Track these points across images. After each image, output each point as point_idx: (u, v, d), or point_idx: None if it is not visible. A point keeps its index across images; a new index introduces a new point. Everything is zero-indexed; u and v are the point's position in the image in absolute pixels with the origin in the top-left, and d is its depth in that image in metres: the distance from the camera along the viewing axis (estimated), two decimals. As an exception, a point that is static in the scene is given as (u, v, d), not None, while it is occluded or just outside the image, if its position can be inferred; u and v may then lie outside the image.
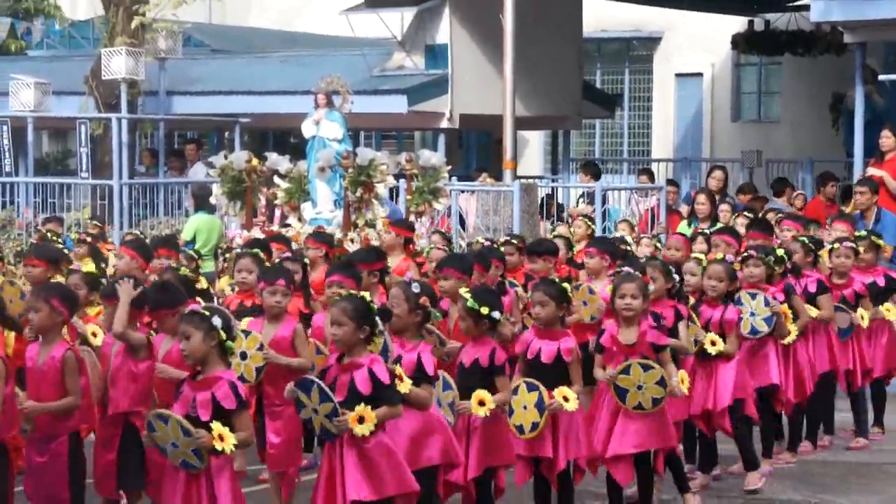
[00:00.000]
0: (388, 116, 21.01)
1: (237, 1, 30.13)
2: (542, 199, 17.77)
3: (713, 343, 9.45)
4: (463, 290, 8.20)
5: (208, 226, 15.41)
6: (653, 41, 28.63)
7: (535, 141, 29.29)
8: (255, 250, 10.13)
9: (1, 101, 21.18)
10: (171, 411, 6.87)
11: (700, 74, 28.14)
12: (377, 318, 7.11)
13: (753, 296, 9.90)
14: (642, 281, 8.56)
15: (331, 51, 23.68)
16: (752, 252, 10.21)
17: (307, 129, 14.97)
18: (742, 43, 26.09)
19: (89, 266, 11.82)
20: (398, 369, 7.27)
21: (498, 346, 7.97)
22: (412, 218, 15.07)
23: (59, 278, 10.07)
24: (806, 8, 18.80)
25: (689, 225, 15.32)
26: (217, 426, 6.67)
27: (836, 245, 11.22)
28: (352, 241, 13.95)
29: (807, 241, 11.12)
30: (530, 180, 19.19)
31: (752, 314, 9.88)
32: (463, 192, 17.05)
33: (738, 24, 26.18)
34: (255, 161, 15.24)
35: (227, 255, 13.91)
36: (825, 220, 14.05)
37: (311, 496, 7.14)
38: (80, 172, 19.37)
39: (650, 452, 8.55)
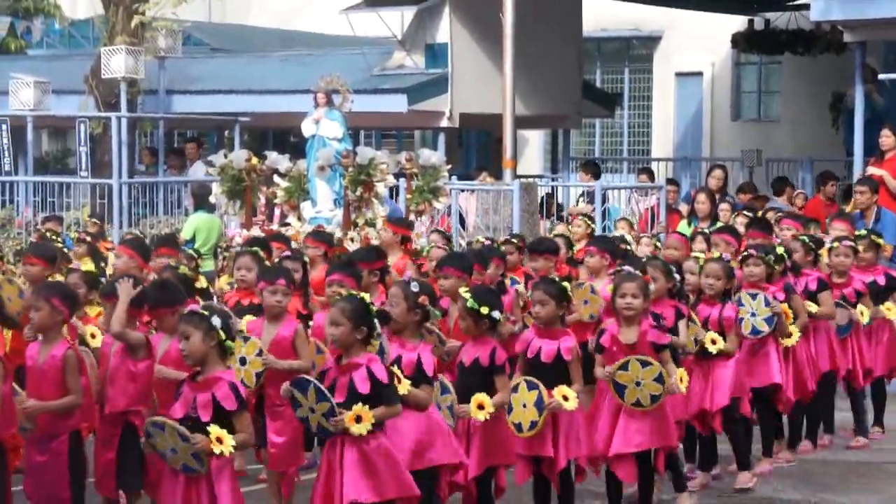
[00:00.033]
0: (387, 115, 21.00)
1: (237, 0, 30.15)
2: (542, 198, 17.77)
3: (713, 342, 9.44)
4: (463, 290, 8.20)
5: (208, 225, 15.40)
6: (653, 40, 28.63)
7: (535, 140, 29.28)
8: (255, 249, 10.12)
9: (0, 100, 21.17)
10: (172, 411, 6.87)
11: (700, 73, 28.13)
12: (375, 320, 7.10)
13: (754, 296, 9.90)
14: (643, 280, 8.55)
15: (331, 50, 23.67)
16: (752, 251, 10.21)
17: (307, 128, 14.97)
18: (742, 42, 26.09)
19: (88, 265, 11.83)
20: (396, 371, 7.26)
21: (498, 346, 7.96)
22: (412, 217, 15.08)
23: (59, 277, 10.06)
24: (806, 7, 18.79)
25: (689, 224, 15.31)
26: (215, 429, 6.66)
27: (836, 244, 11.23)
28: (352, 240, 13.95)
29: (807, 241, 11.13)
30: (530, 179, 19.20)
31: (753, 314, 9.87)
32: (463, 191, 17.04)
33: (738, 23, 26.19)
34: (254, 160, 15.23)
35: (227, 254, 13.91)
36: (825, 220, 14.04)
37: (309, 495, 7.14)
38: (80, 171, 19.36)
39: (651, 451, 8.54)
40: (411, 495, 7.04)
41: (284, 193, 15.04)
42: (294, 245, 12.23)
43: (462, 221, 16.87)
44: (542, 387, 7.96)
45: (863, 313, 11.02)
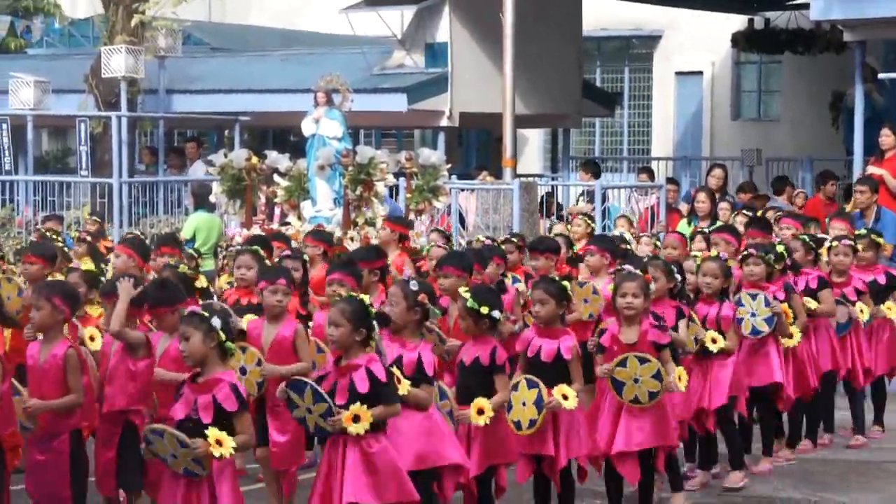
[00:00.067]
0: (387, 115, 21.00)
1: (237, -1, 30.20)
2: (542, 197, 17.77)
3: (714, 341, 9.45)
4: (462, 290, 8.20)
5: (208, 224, 15.40)
6: (653, 39, 28.63)
7: (535, 139, 29.28)
8: (255, 247, 10.12)
9: (0, 100, 21.17)
10: (173, 413, 6.87)
11: (700, 73, 28.13)
12: (374, 321, 7.10)
13: (754, 296, 9.90)
14: (644, 280, 8.55)
15: (331, 49, 23.66)
16: (752, 251, 10.21)
17: (307, 128, 14.98)
18: (742, 41, 26.09)
19: (88, 265, 11.82)
20: (396, 372, 7.27)
21: (499, 345, 7.97)
22: (412, 216, 15.09)
23: (58, 276, 10.06)
24: (806, 6, 18.78)
25: (689, 223, 15.31)
26: (213, 431, 6.64)
27: (835, 243, 11.23)
28: (352, 239, 13.96)
29: (807, 240, 11.13)
30: (530, 179, 19.20)
31: (753, 314, 9.87)
32: (463, 190, 17.04)
33: (738, 22, 26.19)
34: (254, 159, 15.25)
35: (227, 253, 13.91)
36: (825, 219, 14.04)
37: (308, 494, 7.15)
38: (80, 171, 19.37)
39: (651, 450, 8.54)
40: (411, 500, 7.04)
41: (284, 193, 15.06)
42: (294, 244, 12.24)
43: (462, 221, 16.87)
44: (541, 385, 7.96)
45: (862, 311, 11.03)
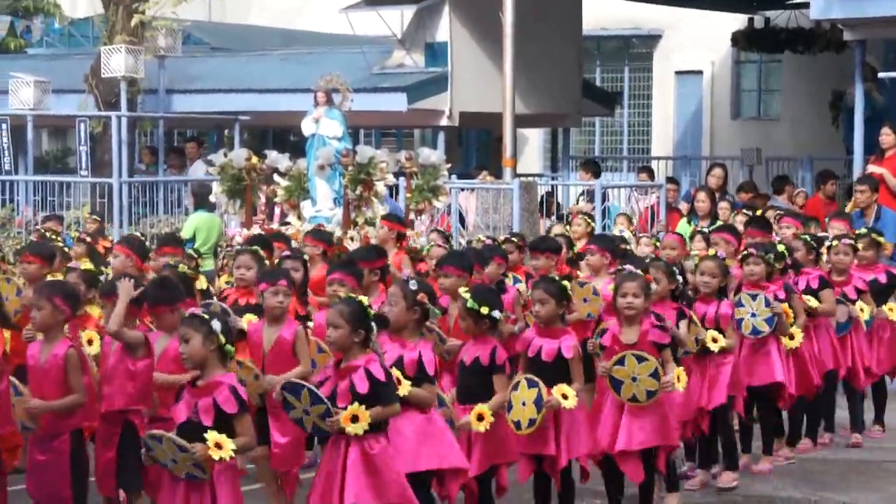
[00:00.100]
0: (387, 114, 21.00)
1: (237, -1, 30.20)
2: (542, 196, 17.77)
3: (715, 340, 9.45)
4: (462, 290, 8.20)
5: (208, 224, 15.39)
6: (652, 39, 28.62)
7: (535, 139, 29.28)
8: (255, 247, 10.11)
9: (0, 100, 21.17)
10: (175, 416, 6.87)
11: (700, 72, 28.13)
12: (373, 322, 7.10)
13: (754, 296, 9.89)
14: (644, 280, 8.55)
15: (330, 49, 23.66)
16: (752, 250, 10.21)
17: (307, 127, 14.99)
18: (742, 40, 26.09)
19: (86, 265, 11.82)
20: (396, 373, 7.27)
21: (499, 345, 7.97)
22: (412, 216, 15.09)
23: (57, 276, 10.06)
24: (806, 5, 18.78)
25: (689, 223, 15.31)
26: (212, 435, 6.63)
27: (835, 242, 11.23)
28: (351, 239, 13.96)
29: (809, 239, 11.13)
30: (530, 178, 19.21)
31: (753, 315, 9.87)
32: (463, 189, 17.04)
33: (737, 21, 26.19)
34: (254, 159, 15.25)
35: (226, 254, 13.91)
36: (824, 218, 14.04)
37: (308, 495, 7.15)
38: (80, 171, 19.36)
39: (652, 450, 8.54)
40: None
41: (284, 192, 15.06)
42: (294, 244, 12.24)
43: (462, 220, 16.87)
44: (541, 385, 7.96)
45: (862, 310, 11.02)
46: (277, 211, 15.64)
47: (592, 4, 23.90)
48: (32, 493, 7.79)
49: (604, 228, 15.88)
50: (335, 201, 14.72)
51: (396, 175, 15.30)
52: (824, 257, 11.31)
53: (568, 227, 14.06)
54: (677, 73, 28.40)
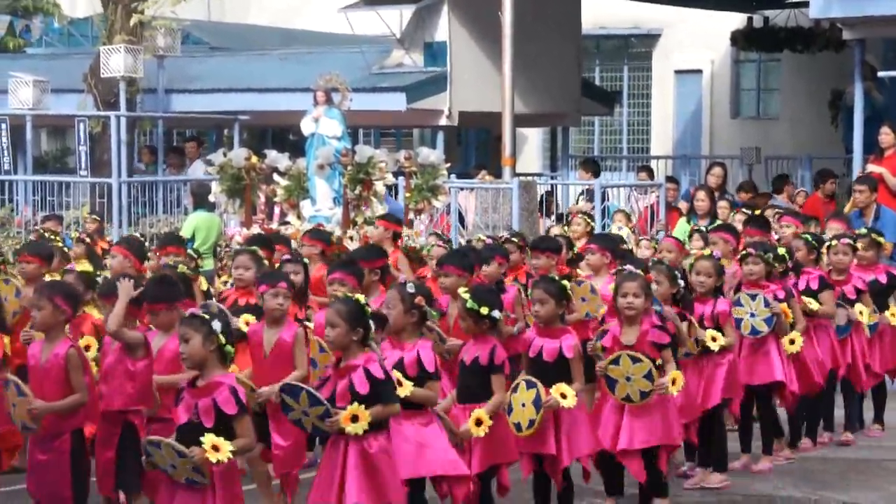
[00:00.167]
0: (386, 114, 21.00)
1: (236, -2, 30.20)
2: (542, 196, 17.77)
3: (714, 339, 9.46)
4: (462, 290, 8.20)
5: (207, 224, 15.39)
6: (652, 38, 28.62)
7: (534, 138, 29.28)
8: (254, 248, 10.11)
9: (-1, 99, 21.19)
10: (176, 417, 6.86)
11: (699, 71, 28.13)
12: (371, 321, 7.10)
13: (753, 296, 9.89)
14: (644, 279, 8.56)
15: (330, 48, 23.66)
16: (751, 250, 10.20)
17: (306, 127, 14.99)
18: (741, 39, 26.10)
19: (85, 266, 11.82)
20: (398, 375, 7.27)
21: (498, 344, 7.97)
22: (411, 215, 15.09)
23: (56, 276, 10.05)
24: (805, 4, 18.79)
25: (689, 222, 15.31)
26: (210, 438, 6.61)
27: (834, 242, 11.21)
28: (351, 238, 13.97)
29: (810, 239, 11.12)
30: (529, 178, 19.20)
31: (752, 315, 9.87)
32: (462, 189, 17.04)
33: (737, 20, 26.19)
34: (254, 158, 15.25)
35: (225, 254, 13.91)
36: (823, 217, 14.03)
37: (308, 494, 7.15)
38: (79, 170, 19.34)
39: (654, 450, 8.54)
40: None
41: (284, 192, 15.07)
42: (294, 245, 12.25)
43: (461, 220, 16.87)
44: (539, 385, 7.96)
45: (862, 313, 11.00)
46: (277, 210, 15.65)
47: (592, 4, 23.91)
48: (33, 492, 7.79)
49: (603, 228, 15.87)
50: (335, 201, 14.73)
51: (396, 175, 15.30)
52: (825, 258, 11.30)
53: (567, 227, 14.05)
54: (677, 72, 28.40)
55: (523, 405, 7.96)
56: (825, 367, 10.60)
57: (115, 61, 20.14)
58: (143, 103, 21.96)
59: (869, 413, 11.53)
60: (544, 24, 21.18)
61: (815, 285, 10.67)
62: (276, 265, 10.10)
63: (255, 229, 14.35)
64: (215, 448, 6.61)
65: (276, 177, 15.15)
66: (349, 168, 14.53)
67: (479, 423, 7.79)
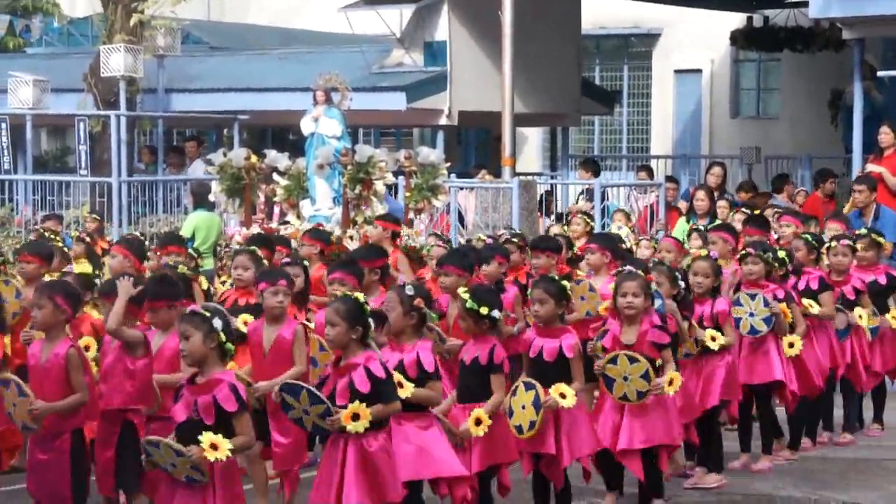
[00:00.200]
0: (386, 113, 21.00)
1: (236, -2, 30.20)
2: (541, 196, 17.77)
3: (713, 339, 9.46)
4: (461, 290, 8.20)
5: (207, 223, 15.39)
6: (651, 38, 28.63)
7: (534, 138, 29.29)
8: (252, 248, 10.10)
9: (-1, 99, 21.20)
10: (174, 415, 6.86)
11: (699, 71, 28.14)
12: (370, 319, 7.10)
13: (753, 296, 9.89)
14: (644, 279, 8.56)
15: (330, 48, 23.67)
16: (751, 250, 10.20)
17: (306, 126, 14.99)
18: (741, 39, 26.10)
19: (84, 265, 11.81)
20: (399, 377, 7.27)
21: (498, 344, 7.97)
22: (411, 215, 15.10)
23: (55, 276, 10.04)
24: (805, 4, 18.80)
25: (688, 221, 15.32)
26: (208, 436, 6.60)
27: (834, 243, 11.20)
28: (351, 238, 13.97)
29: (810, 239, 11.11)
30: (529, 177, 19.21)
31: (752, 314, 9.87)
32: (462, 189, 17.05)
33: (736, 20, 26.19)
34: (253, 158, 15.25)
35: (225, 253, 13.91)
36: (823, 217, 14.03)
37: (309, 494, 7.15)
38: (79, 170, 19.36)
39: (654, 449, 8.55)
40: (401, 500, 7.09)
41: (284, 191, 15.07)
42: (294, 244, 12.25)
43: (461, 219, 16.87)
44: (538, 386, 7.97)
45: (861, 316, 10.97)
46: (277, 210, 15.65)
47: (591, 3, 23.92)
48: (33, 492, 7.79)
49: (603, 227, 15.87)
50: (334, 200, 14.73)
51: (395, 174, 15.30)
52: (825, 258, 11.28)
53: (566, 226, 14.05)
54: (676, 71, 28.41)
55: (523, 407, 7.97)
56: (825, 370, 10.59)
57: (115, 61, 20.16)
58: (142, 103, 21.96)
59: (869, 413, 11.53)
60: (544, 23, 21.18)
61: (814, 285, 10.66)
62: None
63: (255, 229, 14.35)
64: (214, 446, 6.60)
65: (275, 176, 15.15)
66: (349, 168, 14.53)
67: (478, 422, 7.79)
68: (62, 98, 21.64)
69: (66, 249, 12.20)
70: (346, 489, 6.88)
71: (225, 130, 24.35)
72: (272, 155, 15.42)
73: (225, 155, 15.54)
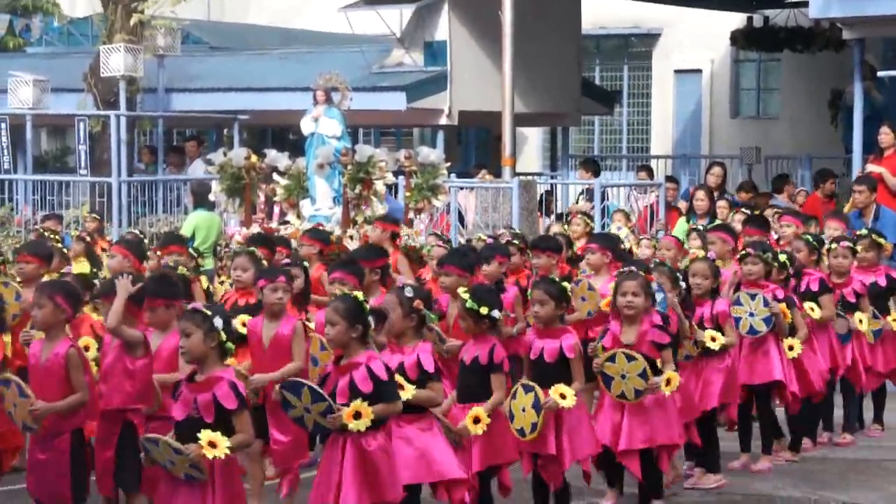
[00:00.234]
0: (386, 113, 21.01)
1: (236, -2, 30.19)
2: (541, 195, 17.77)
3: (713, 339, 9.46)
4: (461, 290, 8.20)
5: (207, 223, 15.38)
6: (651, 37, 28.63)
7: (534, 138, 29.29)
8: (252, 249, 10.10)
9: (-1, 99, 21.20)
10: (172, 414, 6.86)
11: (699, 71, 28.14)
12: (370, 317, 7.10)
13: (753, 296, 9.89)
14: (644, 279, 8.57)
15: (330, 48, 23.67)
16: (750, 250, 10.20)
17: (306, 126, 14.99)
18: (741, 39, 26.11)
19: (83, 264, 11.80)
20: (400, 379, 7.27)
21: (498, 343, 7.97)
22: (411, 215, 15.10)
23: (55, 276, 10.04)
24: (805, 4, 18.80)
25: (688, 221, 15.32)
26: (206, 434, 6.60)
27: (834, 245, 11.19)
28: (351, 237, 13.97)
29: (811, 240, 11.10)
30: (529, 177, 19.21)
31: (751, 314, 9.87)
32: (462, 188, 17.05)
33: (737, 20, 26.20)
34: (254, 158, 15.25)
35: (225, 253, 13.90)
36: (822, 217, 14.03)
37: (308, 494, 7.15)
38: (79, 170, 19.37)
39: (653, 450, 8.55)
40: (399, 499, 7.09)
41: (284, 191, 15.06)
42: (294, 244, 12.25)
43: (461, 219, 16.88)
44: (537, 388, 7.97)
45: (861, 321, 10.96)
46: (277, 210, 15.65)
47: (592, 3, 23.92)
48: (32, 491, 7.79)
49: (603, 227, 15.88)
50: (334, 200, 14.73)
51: (396, 174, 15.29)
52: (825, 259, 11.27)
53: (566, 226, 14.06)
54: (676, 71, 28.41)
55: (523, 410, 7.97)
56: (826, 374, 10.57)
57: (115, 61, 20.16)
58: (142, 103, 21.97)
59: (869, 413, 11.53)
60: (544, 23, 21.18)
61: (815, 287, 10.66)
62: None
63: (255, 228, 14.35)
64: (212, 444, 6.60)
65: (275, 176, 15.15)
66: (349, 167, 14.53)
67: (476, 420, 7.78)
68: (62, 98, 21.64)
69: (65, 250, 12.20)
70: (344, 489, 6.87)
71: (225, 130, 24.35)
72: (272, 155, 15.42)
73: (225, 155, 15.53)
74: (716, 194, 15.98)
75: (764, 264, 10.09)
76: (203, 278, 11.80)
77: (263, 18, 30.25)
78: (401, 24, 22.01)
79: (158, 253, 11.58)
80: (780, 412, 10.50)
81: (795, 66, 26.40)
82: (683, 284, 9.35)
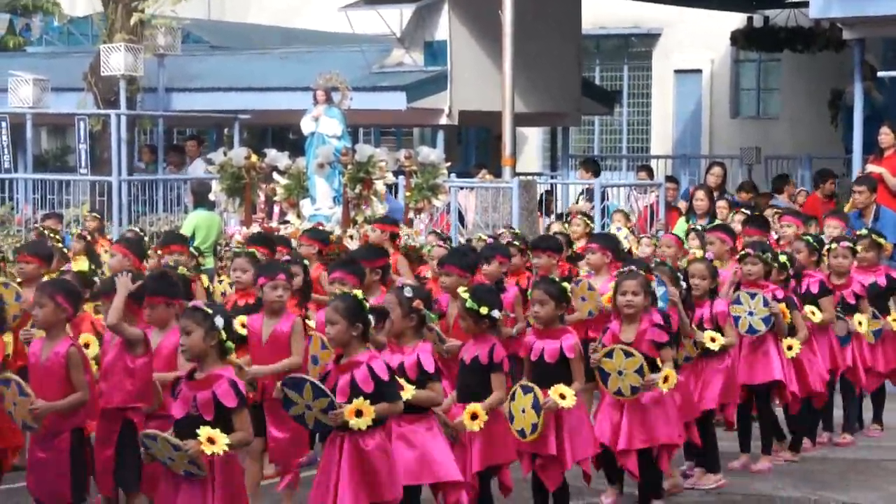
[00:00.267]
0: (387, 113, 21.01)
1: (236, -3, 30.19)
2: (541, 195, 17.77)
3: (713, 340, 9.46)
4: (461, 290, 8.20)
5: (207, 222, 15.39)
6: (652, 37, 28.63)
7: (534, 137, 29.29)
8: (251, 250, 10.11)
9: None
10: (172, 412, 6.86)
11: (699, 71, 28.14)
12: (370, 316, 7.10)
13: (753, 295, 9.89)
14: (644, 278, 8.57)
15: (330, 47, 23.67)
16: (750, 250, 10.20)
17: (306, 126, 15.00)
18: (741, 39, 26.11)
19: (82, 263, 11.80)
20: (400, 380, 7.27)
21: (498, 343, 7.97)
22: (411, 214, 15.10)
23: (54, 276, 10.04)
24: (805, 4, 18.81)
25: (688, 221, 15.31)
26: (205, 430, 6.60)
27: (834, 245, 11.19)
28: (351, 237, 13.97)
29: (811, 241, 11.10)
30: (529, 177, 19.21)
31: (751, 313, 9.87)
32: (462, 188, 17.06)
33: (737, 20, 26.20)
34: (254, 157, 15.26)
35: (225, 253, 13.91)
36: (822, 217, 14.03)
37: (308, 494, 7.16)
38: (79, 169, 19.37)
39: (652, 449, 8.56)
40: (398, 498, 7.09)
41: (284, 191, 15.07)
42: (294, 244, 12.25)
43: (461, 219, 16.88)
44: (536, 389, 7.97)
45: (861, 323, 10.96)
46: (277, 209, 15.65)
47: (592, 3, 23.92)
48: (32, 490, 7.79)
49: (603, 227, 15.88)
50: (334, 200, 14.74)
51: (396, 174, 15.30)
52: (825, 260, 11.27)
53: (566, 226, 14.06)
54: (676, 71, 28.41)
55: (523, 411, 7.97)
56: (826, 376, 10.57)
57: (116, 60, 20.16)
58: (143, 102, 21.97)
59: (868, 413, 11.53)
60: (544, 23, 21.19)
61: (815, 289, 10.65)
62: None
63: (255, 228, 14.36)
64: (211, 441, 6.60)
65: (275, 175, 15.15)
66: (349, 167, 14.53)
67: (474, 416, 7.78)
68: (62, 97, 21.64)
69: (65, 249, 12.20)
70: (341, 489, 6.87)
71: (225, 130, 24.35)
72: (272, 154, 15.43)
73: (225, 154, 15.54)
74: (716, 194, 15.98)
75: (763, 265, 10.10)
76: (203, 277, 11.80)
77: (264, 18, 30.25)
78: (401, 24, 22.01)
79: (159, 252, 11.58)
80: (779, 412, 10.50)
81: (795, 66, 26.40)
82: (684, 284, 9.35)
